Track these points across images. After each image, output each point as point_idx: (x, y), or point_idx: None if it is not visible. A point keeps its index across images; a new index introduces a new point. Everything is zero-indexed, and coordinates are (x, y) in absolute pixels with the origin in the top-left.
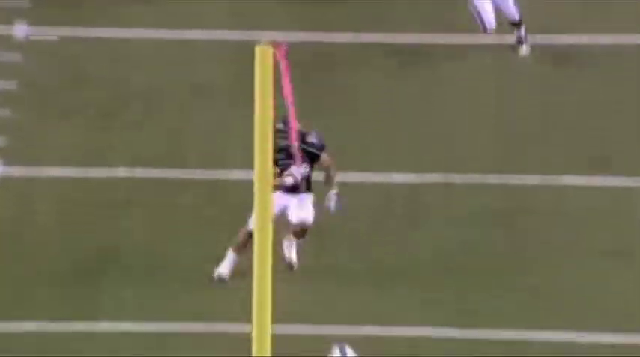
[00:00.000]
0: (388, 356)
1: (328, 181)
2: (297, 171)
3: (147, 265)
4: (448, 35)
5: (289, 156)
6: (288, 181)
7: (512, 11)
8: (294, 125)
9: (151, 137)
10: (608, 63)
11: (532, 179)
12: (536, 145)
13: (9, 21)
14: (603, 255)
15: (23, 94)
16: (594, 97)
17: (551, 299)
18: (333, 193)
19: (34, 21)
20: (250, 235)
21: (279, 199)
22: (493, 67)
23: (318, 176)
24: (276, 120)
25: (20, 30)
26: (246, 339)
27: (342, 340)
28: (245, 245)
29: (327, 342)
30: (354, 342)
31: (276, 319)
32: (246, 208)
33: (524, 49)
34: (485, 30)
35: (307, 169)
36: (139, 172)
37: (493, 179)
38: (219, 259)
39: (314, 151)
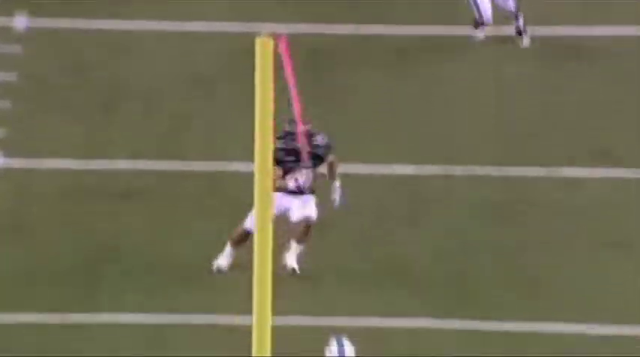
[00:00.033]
0: (388, 348)
1: (331, 175)
2: (301, 177)
3: (147, 256)
4: (449, 27)
5: (297, 156)
6: (290, 185)
7: (510, 2)
8: (300, 118)
9: (152, 129)
10: (609, 55)
11: (532, 171)
12: (537, 137)
13: (9, 12)
14: (604, 246)
15: (23, 85)
16: (595, 89)
17: (551, 290)
18: (336, 186)
19: (35, 12)
20: (245, 232)
21: (282, 201)
22: (494, 59)
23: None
24: (276, 113)
25: (20, 21)
26: (247, 331)
27: (341, 332)
28: (239, 242)
29: (326, 333)
30: (354, 334)
31: (275, 311)
32: (247, 200)
33: (524, 40)
34: (482, 22)
35: (311, 175)
36: (140, 164)
37: (493, 171)
38: (219, 250)
39: (320, 153)
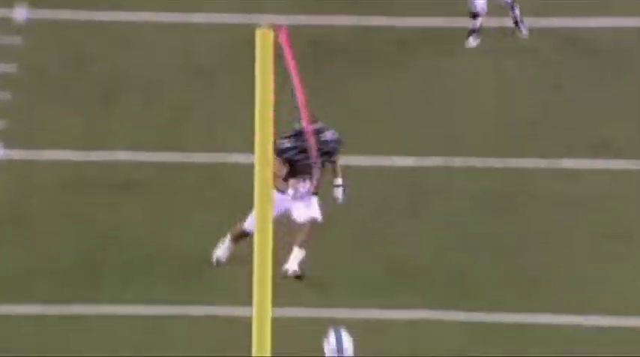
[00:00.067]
0: (387, 340)
1: (334, 172)
2: (304, 187)
3: (147, 248)
4: (449, 19)
5: (307, 154)
6: (289, 192)
7: None
8: (304, 109)
9: (152, 120)
10: (609, 46)
11: (532, 162)
12: (537, 128)
13: (9, 4)
14: (604, 238)
15: (23, 77)
16: (595, 81)
17: (551, 282)
18: (339, 181)
19: (35, 4)
20: (244, 233)
21: (284, 201)
22: (493, 50)
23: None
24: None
25: (20, 13)
26: (247, 322)
27: (340, 324)
28: (238, 239)
29: (325, 325)
30: (353, 326)
31: (274, 303)
32: (247, 191)
33: (522, 30)
34: (476, 14)
35: (319, 175)
36: (140, 155)
37: (494, 163)
38: (219, 242)
39: (330, 149)
